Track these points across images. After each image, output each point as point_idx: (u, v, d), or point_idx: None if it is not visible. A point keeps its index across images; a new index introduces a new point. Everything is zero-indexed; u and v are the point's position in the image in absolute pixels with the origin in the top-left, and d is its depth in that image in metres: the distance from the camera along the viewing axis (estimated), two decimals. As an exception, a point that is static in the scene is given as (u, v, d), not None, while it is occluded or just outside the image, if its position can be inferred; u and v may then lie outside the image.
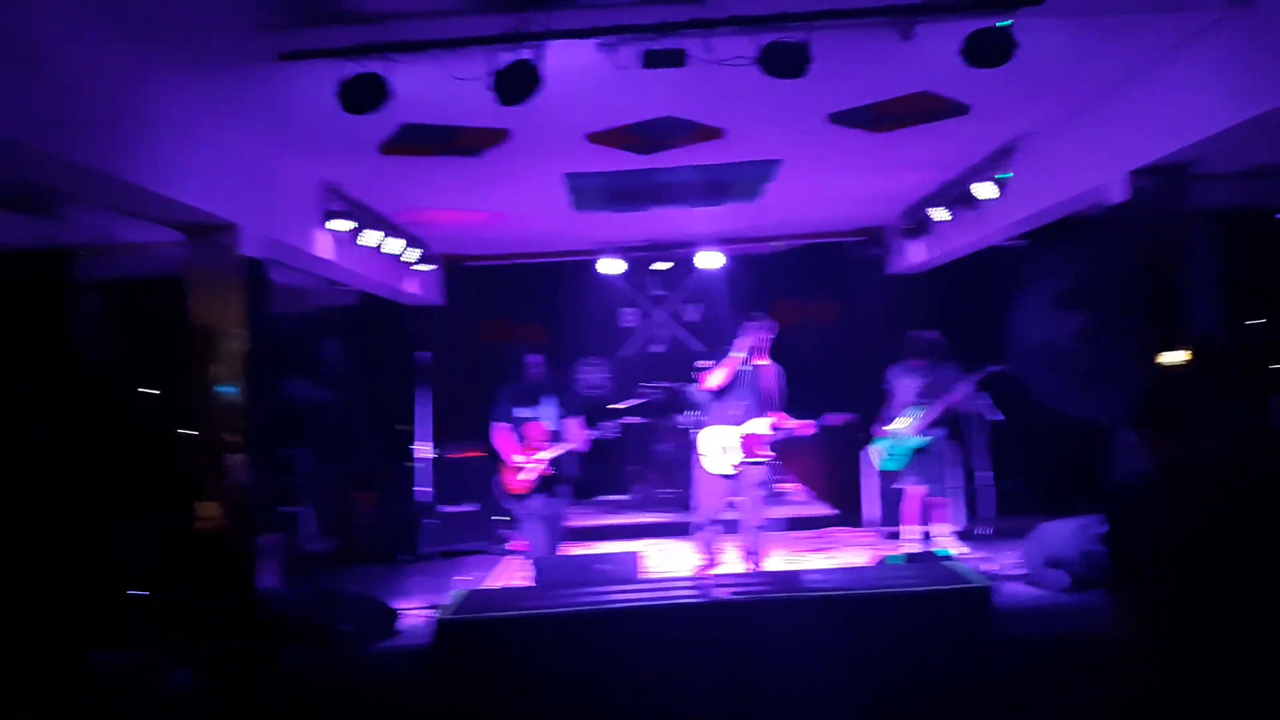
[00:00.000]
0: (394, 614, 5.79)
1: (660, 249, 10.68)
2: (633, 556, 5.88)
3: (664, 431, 10.03)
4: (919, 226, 8.83)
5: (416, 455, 6.34)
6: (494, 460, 6.94)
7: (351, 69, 4.42)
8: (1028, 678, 4.42)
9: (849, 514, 8.93)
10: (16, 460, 6.63)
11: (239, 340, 5.76)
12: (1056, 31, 4.67)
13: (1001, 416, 6.25)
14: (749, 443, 6.40)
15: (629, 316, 11.53)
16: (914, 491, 7.19)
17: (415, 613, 5.95)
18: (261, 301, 6.05)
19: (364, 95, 4.45)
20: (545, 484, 6.60)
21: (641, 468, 10.40)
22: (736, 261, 10.95)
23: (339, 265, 7.52)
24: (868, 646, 4.49)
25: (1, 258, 7.39)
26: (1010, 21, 4.27)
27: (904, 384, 7.27)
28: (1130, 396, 5.65)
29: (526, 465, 6.53)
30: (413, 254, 8.70)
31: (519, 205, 8.37)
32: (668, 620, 4.61)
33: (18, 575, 5.87)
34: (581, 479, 7.47)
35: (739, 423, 6.35)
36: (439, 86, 4.74)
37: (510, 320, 11.27)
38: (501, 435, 6.67)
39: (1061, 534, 5.93)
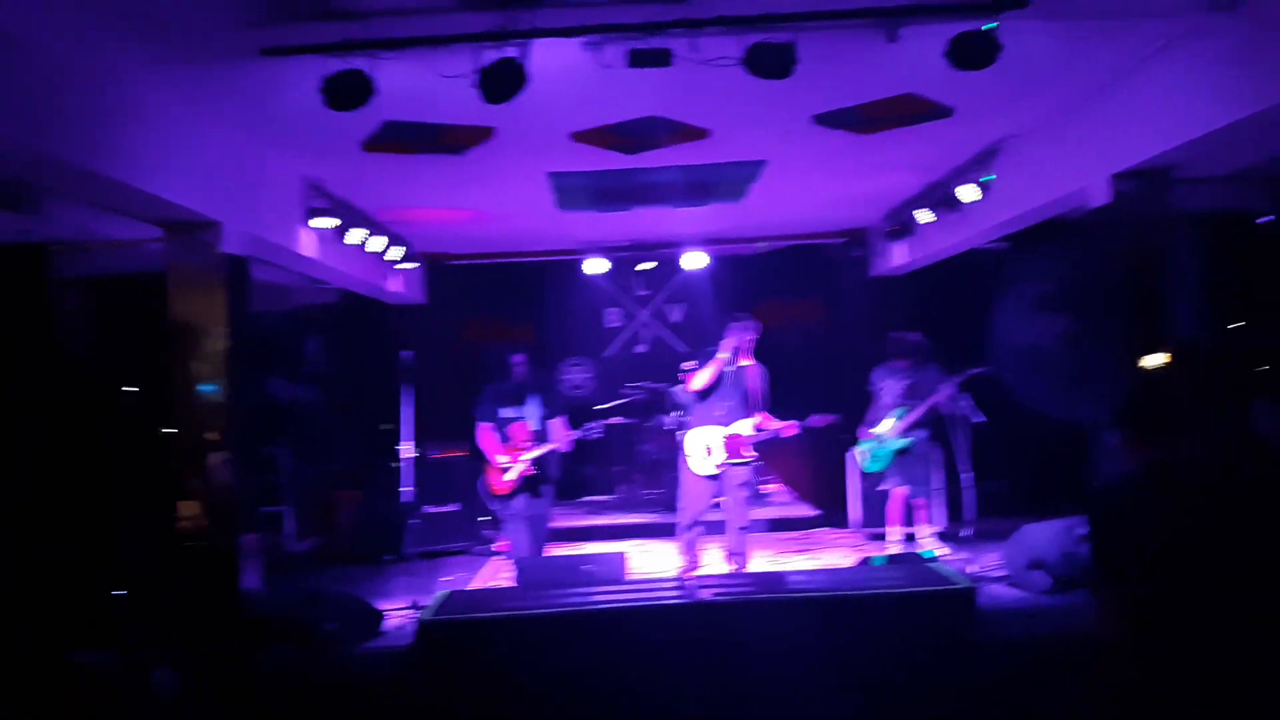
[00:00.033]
0: (379, 614, 5.75)
1: (644, 249, 10.67)
2: (619, 557, 5.87)
3: (648, 432, 10.02)
4: (902, 228, 8.87)
5: (401, 455, 6.30)
6: (477, 460, 6.92)
7: (335, 65, 4.38)
8: (1011, 679, 4.43)
9: (832, 515, 8.96)
10: (-5, 459, 6.56)
11: (220, 338, 5.71)
12: (1040, 34, 4.70)
13: (983, 418, 6.27)
14: (733, 443, 6.40)
15: (613, 316, 11.52)
16: (897, 493, 7.21)
17: (399, 613, 5.91)
18: (243, 299, 6.00)
19: (348, 92, 4.42)
20: (529, 484, 6.58)
21: (626, 468, 10.39)
22: (720, 262, 10.96)
23: (321, 263, 7.46)
24: (852, 647, 4.49)
25: (-23, 253, 7.30)
26: (995, 24, 4.29)
27: (888, 386, 7.29)
28: (1112, 399, 5.69)
29: (510, 465, 6.50)
30: (395, 252, 8.65)
31: (502, 204, 8.34)
32: (651, 621, 4.60)
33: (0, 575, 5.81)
34: (565, 479, 7.45)
35: (723, 423, 6.35)
36: (423, 84, 4.71)
37: (494, 319, 11.24)
38: (485, 435, 6.64)
39: (1043, 536, 5.96)
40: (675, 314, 11.49)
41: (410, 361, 6.19)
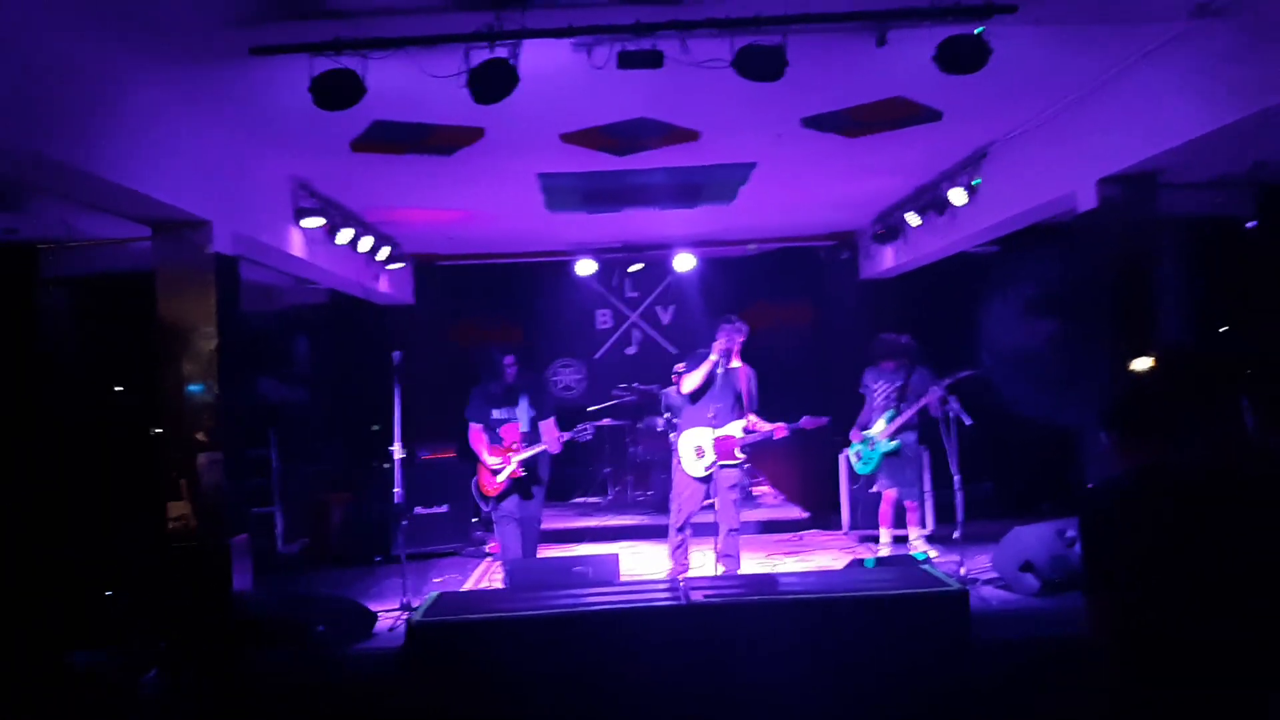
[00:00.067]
0: (371, 615, 5.74)
1: (634, 251, 10.69)
2: (613, 559, 5.88)
3: (638, 434, 10.02)
4: (890, 232, 8.91)
5: (392, 455, 6.28)
6: (467, 461, 6.90)
7: (325, 65, 4.37)
8: (1003, 681, 4.44)
9: (821, 517, 8.97)
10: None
11: (210, 338, 5.69)
12: (1028, 39, 4.73)
13: (971, 421, 6.30)
14: (724, 445, 6.40)
15: (603, 318, 11.52)
16: (888, 495, 7.24)
17: (390, 615, 5.90)
18: (233, 299, 5.98)
19: (338, 91, 4.41)
20: (520, 486, 6.57)
21: (616, 470, 10.39)
22: (710, 264, 10.99)
23: (310, 263, 7.45)
24: (844, 650, 4.49)
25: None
26: (982, 29, 4.31)
27: (878, 388, 7.32)
28: (1102, 401, 5.71)
29: (501, 466, 6.50)
30: (384, 252, 8.64)
31: (492, 205, 8.34)
32: (643, 623, 4.59)
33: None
34: (556, 481, 7.45)
35: (714, 425, 6.36)
36: (413, 84, 4.71)
37: (483, 320, 11.23)
38: (476, 436, 6.63)
39: (1033, 538, 5.98)
40: (665, 316, 11.50)
41: (400, 362, 6.17)
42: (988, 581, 6.27)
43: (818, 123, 6.12)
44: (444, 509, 8.40)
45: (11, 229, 7.20)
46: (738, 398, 6.47)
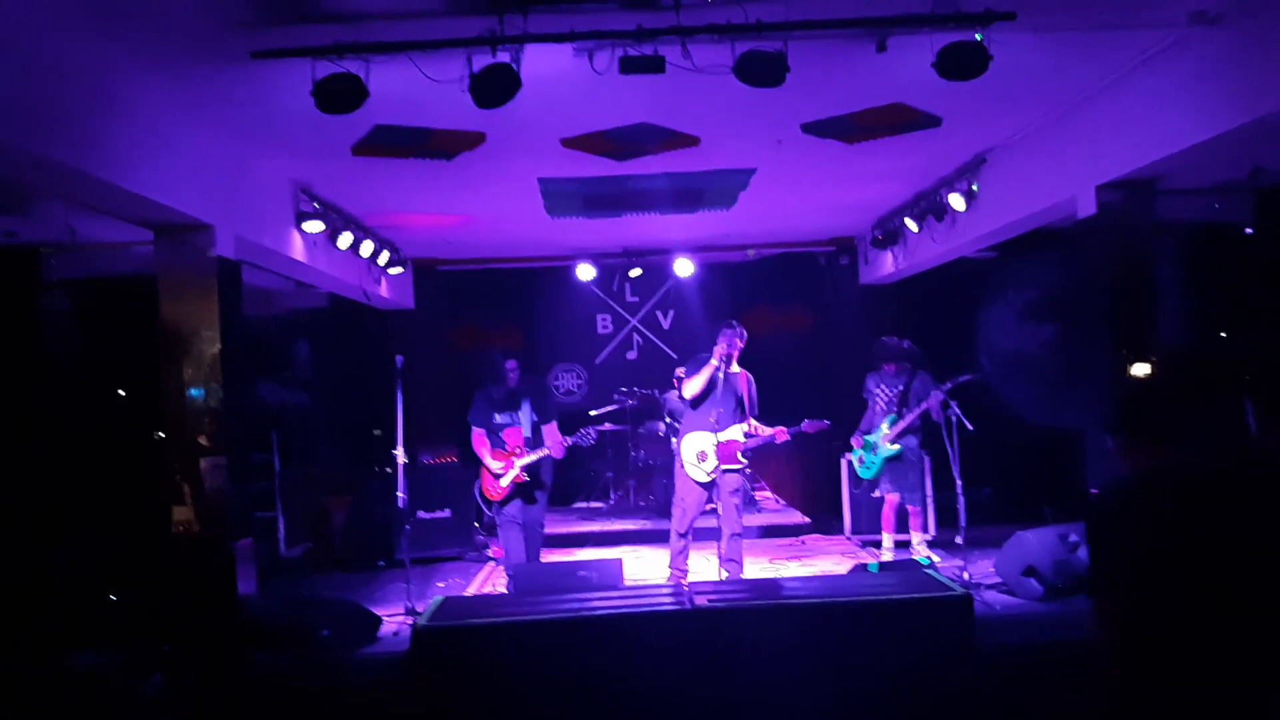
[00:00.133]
0: (376, 620, 5.73)
1: (634, 256, 10.71)
2: (616, 564, 5.88)
3: (640, 438, 10.03)
4: (890, 237, 8.93)
5: (395, 460, 6.30)
6: (469, 466, 6.90)
7: (326, 68, 4.39)
8: (1008, 685, 4.45)
9: (822, 522, 8.98)
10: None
11: (212, 342, 5.70)
12: (1028, 46, 4.75)
13: (970, 426, 6.32)
14: (726, 450, 6.41)
15: (604, 323, 11.54)
16: (890, 499, 7.25)
17: (394, 619, 5.90)
18: (235, 303, 6.00)
19: (340, 95, 4.43)
20: (522, 490, 6.58)
21: (618, 475, 10.40)
22: (710, 269, 11.02)
23: (311, 267, 7.46)
24: (848, 654, 4.49)
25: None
26: (980, 36, 4.34)
27: (880, 392, 7.33)
28: (1102, 406, 5.73)
29: (504, 471, 6.51)
30: (384, 257, 8.66)
31: (492, 210, 8.36)
32: (647, 627, 4.59)
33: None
34: (558, 486, 7.45)
35: (716, 430, 6.37)
36: (414, 88, 4.72)
37: (483, 325, 11.25)
38: (479, 441, 6.64)
39: (1036, 543, 5.99)
40: (665, 321, 11.52)
41: (402, 366, 6.18)
42: (991, 586, 6.27)
43: (818, 128, 6.15)
44: (446, 513, 8.39)
45: (13, 232, 7.22)
46: (739, 402, 6.48)
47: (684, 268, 10.53)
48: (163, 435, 5.75)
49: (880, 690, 4.45)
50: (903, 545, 7.32)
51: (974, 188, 7.28)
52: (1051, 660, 4.53)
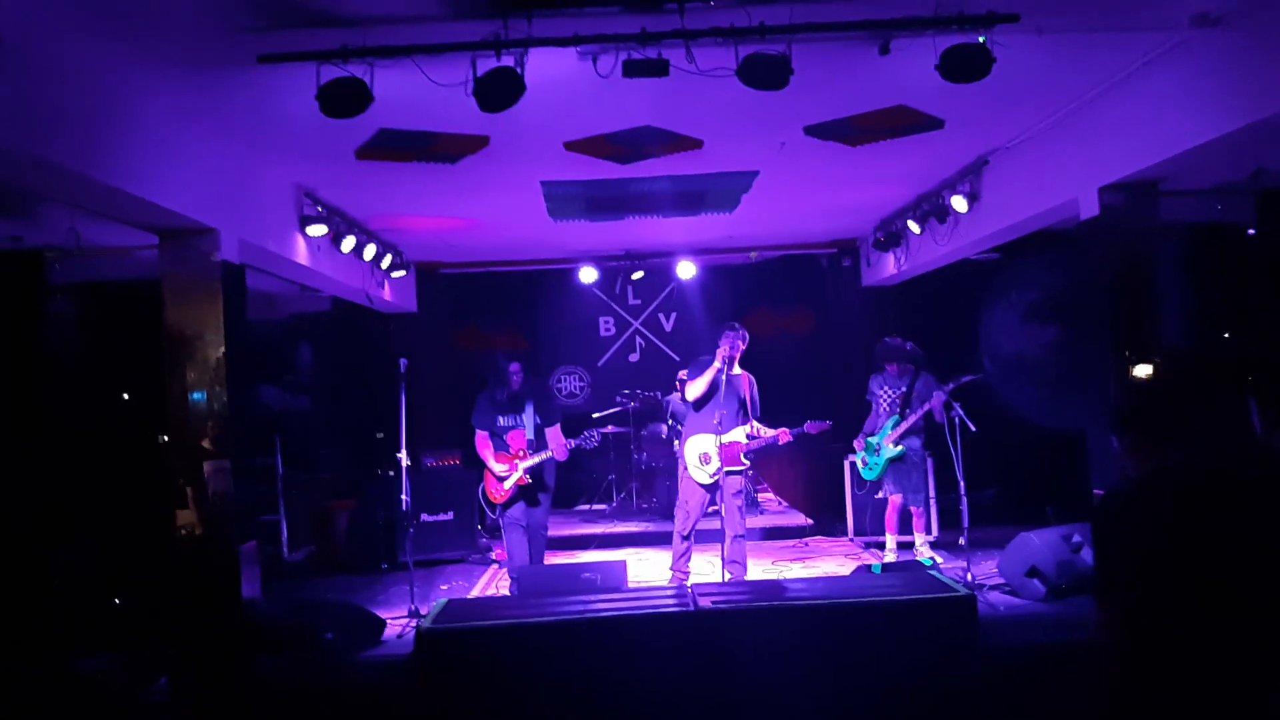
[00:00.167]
0: (380, 622, 5.74)
1: (637, 259, 10.72)
2: (620, 566, 5.89)
3: (642, 440, 10.04)
4: (892, 239, 8.94)
5: (399, 462, 6.31)
6: (471, 468, 6.91)
7: (331, 73, 4.40)
8: (1011, 685, 4.45)
9: (825, 523, 8.99)
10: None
11: (216, 346, 5.71)
12: (1030, 48, 4.76)
13: (973, 427, 6.33)
14: (728, 451, 6.42)
15: (606, 325, 11.55)
16: (893, 501, 7.26)
17: (398, 621, 5.91)
18: (239, 307, 6.01)
19: (345, 100, 4.44)
20: (526, 493, 6.59)
21: (620, 477, 10.41)
22: (712, 272, 11.03)
23: (314, 270, 7.47)
24: (853, 655, 4.50)
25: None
26: (983, 39, 4.34)
27: (883, 394, 7.34)
28: (1104, 407, 5.73)
29: (508, 474, 6.52)
30: (387, 260, 8.68)
31: (495, 213, 8.37)
32: (651, 629, 4.60)
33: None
34: (561, 488, 7.46)
35: (719, 432, 6.37)
36: (418, 92, 4.73)
37: (486, 328, 11.26)
38: (483, 443, 6.65)
39: (1040, 543, 5.99)
40: (668, 323, 11.53)
41: (405, 369, 6.20)
42: (994, 587, 6.27)
43: (820, 131, 6.15)
44: (449, 516, 8.41)
45: (18, 236, 7.24)
46: (742, 404, 6.49)
47: (686, 270, 10.54)
48: (166, 439, 5.76)
49: (884, 691, 4.45)
50: (906, 546, 7.33)
51: (976, 189, 7.30)
52: (1055, 661, 4.53)
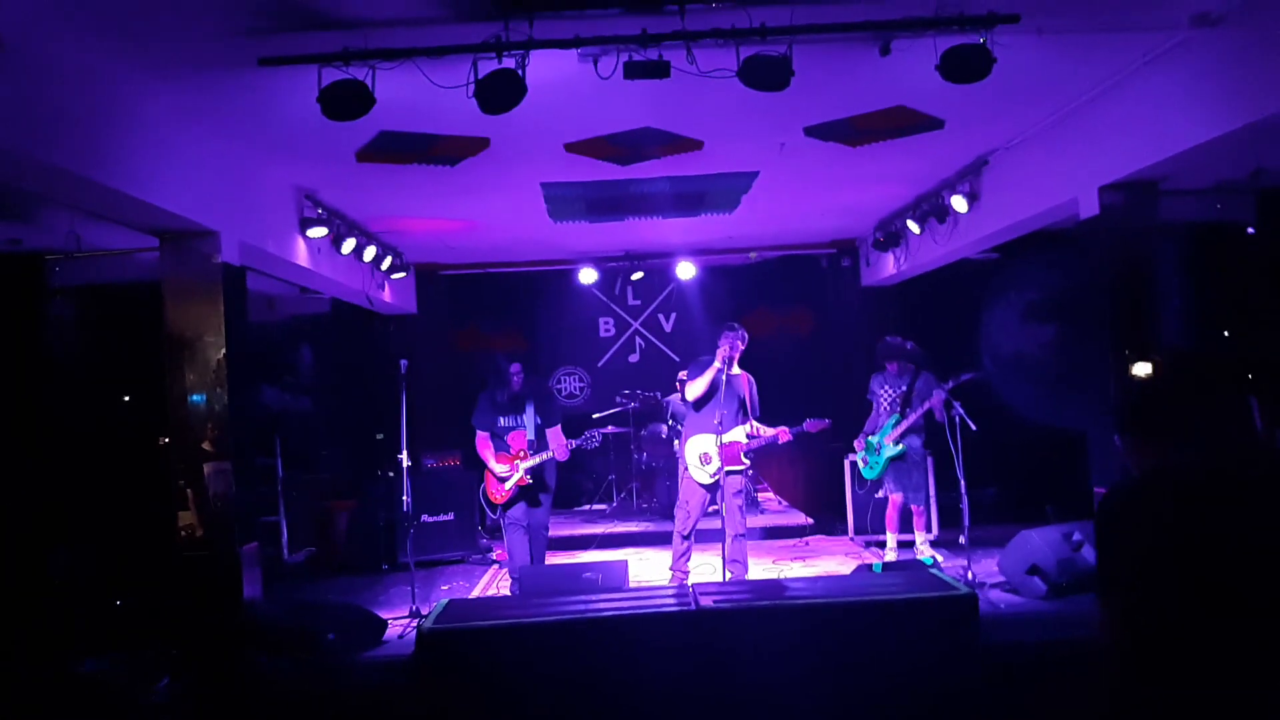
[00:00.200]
0: (382, 623, 5.75)
1: (636, 259, 10.73)
2: (621, 565, 5.89)
3: (642, 441, 10.04)
4: (892, 239, 8.95)
5: (399, 463, 6.32)
6: (472, 469, 6.92)
7: (332, 75, 4.41)
8: (1013, 684, 4.45)
9: (825, 522, 8.99)
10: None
11: (216, 347, 5.72)
12: (1030, 48, 4.77)
13: (974, 426, 6.34)
14: (729, 451, 6.43)
15: (605, 326, 11.56)
16: (894, 499, 7.26)
17: (399, 622, 5.91)
18: (239, 309, 6.01)
19: (347, 102, 4.44)
20: (526, 493, 6.59)
21: (621, 477, 10.41)
22: (712, 272, 11.04)
23: (314, 272, 7.48)
24: (854, 654, 4.49)
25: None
26: (983, 39, 4.35)
27: (883, 393, 7.35)
28: (1105, 406, 5.73)
29: (508, 474, 6.52)
30: (387, 262, 8.69)
31: (495, 214, 8.38)
32: (652, 628, 4.59)
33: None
34: (561, 488, 7.46)
35: (719, 432, 6.38)
36: (419, 94, 4.74)
37: (486, 329, 11.27)
38: (484, 444, 6.66)
39: (1040, 542, 6.00)
40: (667, 324, 11.54)
41: (405, 370, 6.20)
42: (995, 585, 6.29)
43: (821, 131, 6.16)
44: (450, 516, 8.41)
45: (18, 239, 7.24)
46: (741, 404, 6.49)
47: (686, 271, 10.56)
48: (167, 441, 5.77)
49: (885, 690, 4.45)
50: (906, 545, 7.34)
51: (976, 189, 7.30)
52: (1056, 659, 4.54)
